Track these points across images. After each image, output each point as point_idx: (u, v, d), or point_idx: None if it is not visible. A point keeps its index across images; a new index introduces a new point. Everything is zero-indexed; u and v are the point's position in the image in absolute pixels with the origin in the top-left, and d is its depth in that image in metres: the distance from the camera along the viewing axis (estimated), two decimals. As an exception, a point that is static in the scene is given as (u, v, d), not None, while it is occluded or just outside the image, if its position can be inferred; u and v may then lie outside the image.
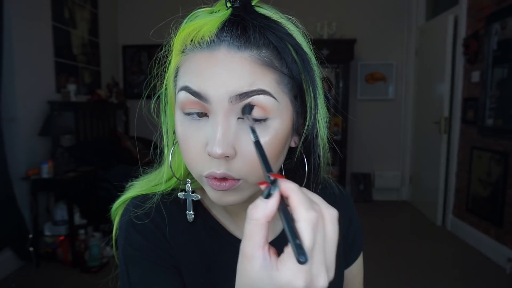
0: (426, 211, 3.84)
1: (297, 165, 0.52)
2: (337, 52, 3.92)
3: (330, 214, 0.33)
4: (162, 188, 0.56)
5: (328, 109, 0.52)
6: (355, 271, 0.70)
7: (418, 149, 4.18)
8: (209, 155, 0.43)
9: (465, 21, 3.19)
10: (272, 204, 0.32)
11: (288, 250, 0.31)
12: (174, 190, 0.57)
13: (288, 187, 0.33)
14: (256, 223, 0.32)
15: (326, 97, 0.51)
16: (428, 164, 3.82)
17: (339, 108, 4.12)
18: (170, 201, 0.57)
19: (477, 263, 2.75)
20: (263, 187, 0.35)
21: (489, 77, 2.81)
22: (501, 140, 2.70)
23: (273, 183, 0.33)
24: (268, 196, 0.32)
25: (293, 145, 0.51)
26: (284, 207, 0.32)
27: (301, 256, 0.28)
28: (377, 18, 4.29)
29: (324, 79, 0.53)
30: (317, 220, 0.31)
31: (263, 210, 0.32)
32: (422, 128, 4.01)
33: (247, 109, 0.43)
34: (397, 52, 4.34)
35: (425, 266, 2.70)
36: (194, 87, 0.43)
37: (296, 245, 0.29)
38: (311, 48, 0.48)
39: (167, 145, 0.55)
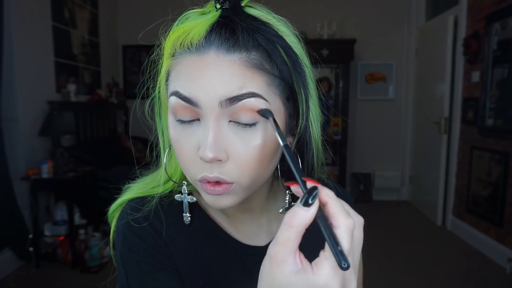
0: (426, 211, 3.84)
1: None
2: (337, 52, 3.92)
3: (359, 221, 0.35)
4: (160, 190, 0.56)
5: (322, 110, 0.52)
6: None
7: (418, 149, 4.18)
8: (201, 159, 0.43)
9: (465, 21, 3.19)
10: (312, 212, 0.32)
11: (325, 255, 0.32)
12: (172, 192, 0.57)
13: (326, 194, 0.34)
14: (295, 231, 0.32)
15: (320, 98, 0.51)
16: (428, 164, 3.82)
17: (338, 110, 4.12)
18: (168, 204, 0.56)
19: (477, 263, 2.75)
20: (294, 187, 0.37)
21: (489, 77, 2.81)
22: (501, 140, 2.70)
23: (314, 190, 0.33)
24: (306, 203, 0.32)
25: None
26: (321, 214, 0.33)
27: (344, 262, 0.30)
28: (377, 18, 4.28)
29: (320, 80, 0.52)
30: (354, 227, 0.33)
31: (303, 218, 0.32)
32: (422, 128, 4.01)
33: (266, 112, 0.42)
34: (397, 52, 4.34)
35: (425, 266, 2.70)
36: (185, 92, 0.43)
37: (339, 252, 0.31)
38: (303, 49, 0.48)
39: (163, 148, 0.55)
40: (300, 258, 0.33)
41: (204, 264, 0.55)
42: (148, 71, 0.52)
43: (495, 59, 2.74)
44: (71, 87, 3.22)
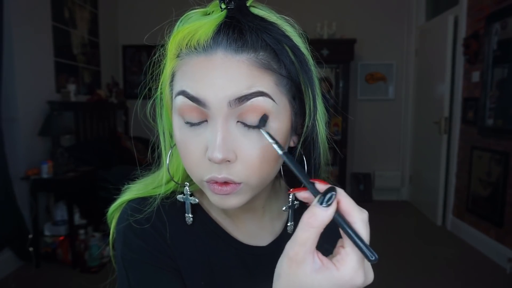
0: (426, 211, 3.84)
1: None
2: (337, 52, 3.92)
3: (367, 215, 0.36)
4: (161, 191, 0.56)
5: (327, 109, 0.52)
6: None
7: (418, 149, 4.18)
8: (210, 160, 0.43)
9: (465, 21, 3.19)
10: (331, 212, 0.34)
11: (347, 251, 0.34)
12: (173, 193, 0.57)
13: (339, 192, 0.35)
14: (314, 231, 0.34)
15: (325, 97, 0.51)
16: (428, 164, 3.82)
17: (339, 108, 4.12)
18: (169, 204, 0.56)
19: (477, 263, 2.75)
20: (301, 193, 0.38)
21: (489, 77, 2.81)
22: (501, 140, 2.70)
23: (330, 190, 0.34)
24: (325, 203, 0.34)
25: (292, 145, 0.51)
26: (339, 213, 0.34)
27: (371, 255, 0.32)
28: (377, 18, 4.28)
29: (323, 80, 0.52)
30: (368, 219, 0.35)
31: (322, 218, 0.33)
32: (422, 128, 4.01)
33: (262, 121, 0.43)
34: (397, 52, 4.34)
35: (425, 266, 2.70)
36: (192, 92, 0.43)
37: (367, 247, 0.32)
38: (308, 48, 0.48)
39: (165, 149, 0.55)
40: (318, 256, 0.34)
41: (205, 265, 0.55)
42: (150, 71, 0.52)
43: (495, 59, 2.74)
44: (71, 87, 3.21)
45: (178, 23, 0.47)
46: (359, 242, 0.32)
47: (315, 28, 4.09)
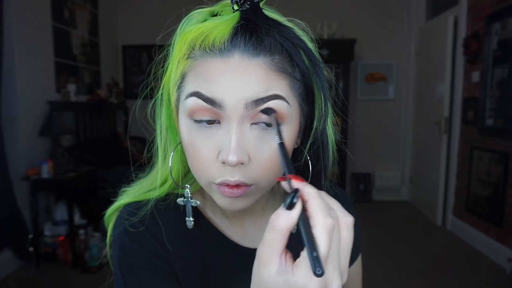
0: (426, 211, 3.84)
1: (304, 167, 0.52)
2: (337, 52, 3.91)
3: (346, 221, 0.34)
4: (156, 194, 0.55)
5: (335, 111, 0.52)
6: (354, 272, 0.69)
7: (418, 149, 4.18)
8: (224, 163, 0.42)
9: (465, 21, 3.19)
10: (294, 215, 0.32)
11: (304, 255, 0.32)
12: (168, 195, 0.56)
13: (307, 192, 0.33)
14: (279, 233, 0.32)
15: (333, 100, 0.51)
16: (428, 164, 3.82)
17: (339, 108, 4.11)
18: (165, 207, 0.56)
19: (477, 263, 2.75)
20: (283, 182, 0.35)
21: (489, 77, 2.81)
22: (501, 140, 2.70)
23: (295, 192, 0.33)
24: (290, 205, 0.32)
25: (295, 146, 0.51)
26: (303, 216, 0.32)
27: (318, 269, 0.29)
28: (377, 18, 4.28)
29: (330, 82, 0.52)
30: (333, 227, 0.32)
31: (286, 220, 0.32)
32: (422, 128, 4.01)
33: (270, 109, 0.42)
34: (397, 52, 4.34)
35: (425, 266, 2.70)
36: (207, 93, 0.42)
37: (313, 258, 0.30)
38: (318, 52, 0.48)
39: (164, 150, 0.54)
40: (285, 258, 0.33)
41: (203, 269, 0.54)
42: (153, 71, 0.51)
43: (495, 59, 2.74)
44: (71, 87, 3.21)
45: (182, 22, 0.47)
46: (309, 250, 0.30)
47: (315, 28, 4.09)
